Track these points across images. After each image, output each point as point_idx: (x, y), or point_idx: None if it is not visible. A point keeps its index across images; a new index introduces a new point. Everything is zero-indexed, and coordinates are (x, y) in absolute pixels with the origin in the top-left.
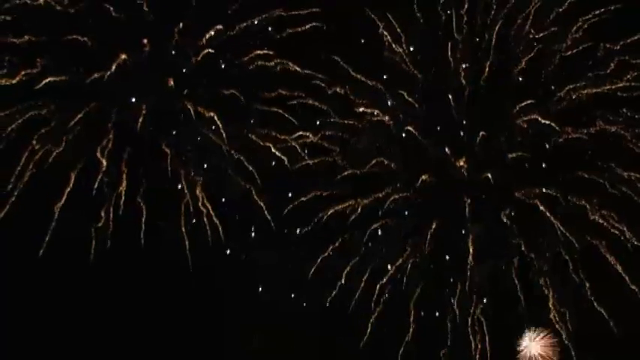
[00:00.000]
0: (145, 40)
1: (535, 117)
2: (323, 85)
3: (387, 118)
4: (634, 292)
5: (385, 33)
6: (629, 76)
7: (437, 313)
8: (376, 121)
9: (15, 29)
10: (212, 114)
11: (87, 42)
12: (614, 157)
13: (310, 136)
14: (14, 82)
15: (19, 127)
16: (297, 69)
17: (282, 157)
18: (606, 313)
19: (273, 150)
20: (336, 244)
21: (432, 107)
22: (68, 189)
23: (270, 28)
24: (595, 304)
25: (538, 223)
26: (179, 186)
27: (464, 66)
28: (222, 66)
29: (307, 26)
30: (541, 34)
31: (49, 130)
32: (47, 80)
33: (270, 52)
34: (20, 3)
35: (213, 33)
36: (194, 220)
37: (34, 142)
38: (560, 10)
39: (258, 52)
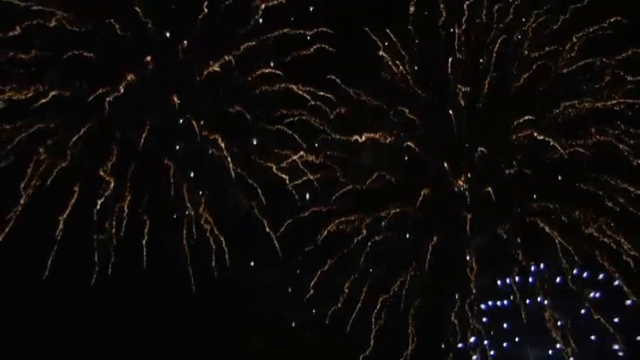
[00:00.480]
0: (149, 58)
1: (533, 132)
2: (325, 107)
3: (387, 134)
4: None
5: (385, 55)
6: (625, 89)
7: (437, 326)
8: (377, 138)
9: (23, 44)
10: (216, 136)
11: (92, 58)
12: (611, 169)
13: (312, 155)
14: (23, 97)
15: (25, 140)
16: (300, 88)
17: (284, 175)
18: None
19: (274, 169)
20: (336, 259)
21: (432, 123)
22: (72, 201)
23: (274, 49)
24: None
25: (537, 235)
26: (182, 202)
27: (463, 89)
28: (227, 84)
29: (312, 49)
30: (537, 53)
31: (54, 143)
32: (53, 94)
33: (275, 72)
34: (34, 23)
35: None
36: (194, 234)
37: (41, 151)
38: (555, 27)
39: (264, 71)
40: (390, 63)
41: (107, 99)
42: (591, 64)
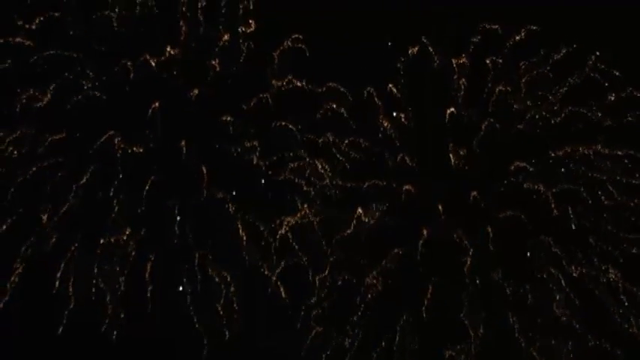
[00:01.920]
0: (157, 104)
1: (522, 181)
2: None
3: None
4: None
5: (383, 118)
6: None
7: None
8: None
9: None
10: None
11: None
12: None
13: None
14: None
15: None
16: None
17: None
18: None
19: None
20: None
21: (431, 169)
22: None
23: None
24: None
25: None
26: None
27: (459, 152)
28: (236, 133)
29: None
30: (523, 105)
31: (56, 187)
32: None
33: (287, 124)
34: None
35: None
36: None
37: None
38: (539, 76)
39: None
40: (386, 124)
41: (116, 139)
42: (577, 112)
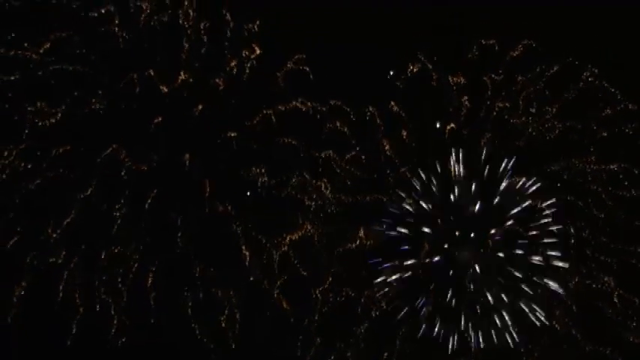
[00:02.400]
0: (160, 119)
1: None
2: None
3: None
4: None
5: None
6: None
7: None
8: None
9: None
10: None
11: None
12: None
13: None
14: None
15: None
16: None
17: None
18: None
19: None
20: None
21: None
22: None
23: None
24: None
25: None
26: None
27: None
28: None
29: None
30: (517, 120)
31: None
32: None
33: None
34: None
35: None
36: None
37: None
38: (534, 92)
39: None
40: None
41: (120, 152)
42: (572, 127)
